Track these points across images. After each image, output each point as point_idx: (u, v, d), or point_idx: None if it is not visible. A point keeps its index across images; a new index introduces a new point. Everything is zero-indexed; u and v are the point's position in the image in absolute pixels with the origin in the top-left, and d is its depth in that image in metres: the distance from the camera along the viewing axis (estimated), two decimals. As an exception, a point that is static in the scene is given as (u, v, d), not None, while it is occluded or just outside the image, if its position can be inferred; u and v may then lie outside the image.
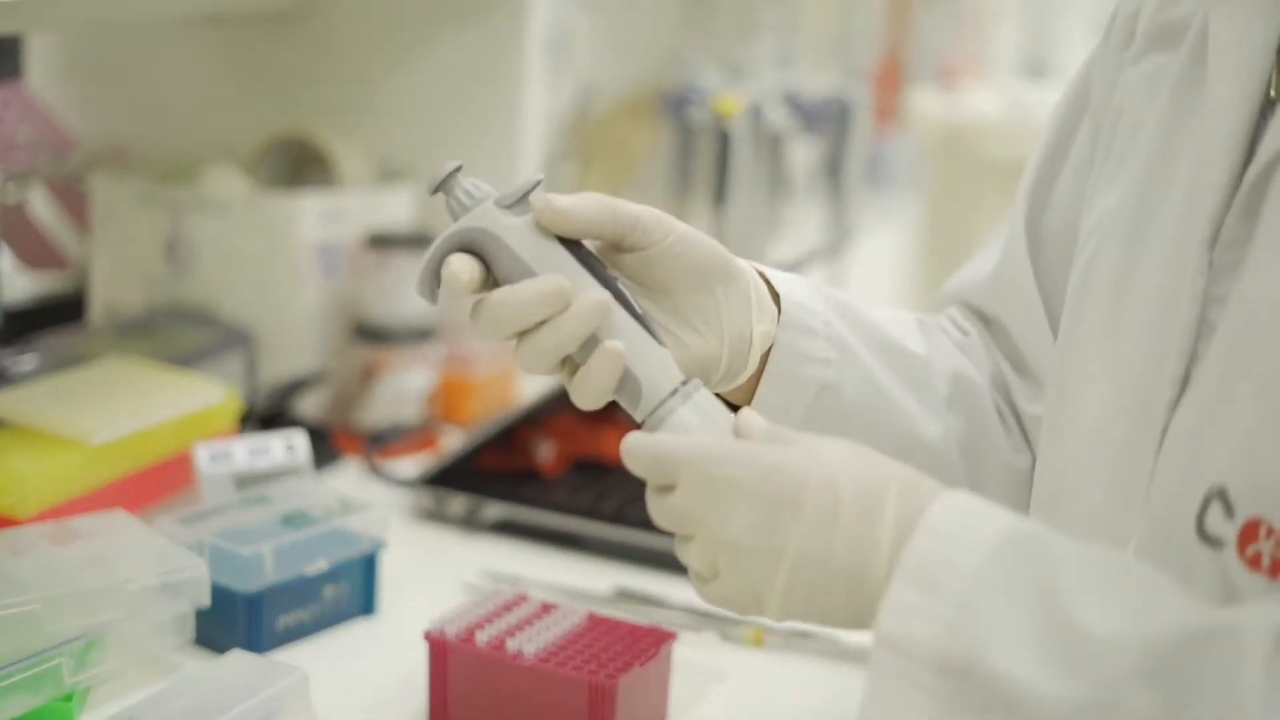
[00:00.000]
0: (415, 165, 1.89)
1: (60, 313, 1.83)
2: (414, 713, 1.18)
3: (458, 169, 0.92)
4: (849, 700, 1.23)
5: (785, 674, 1.29)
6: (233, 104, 1.94)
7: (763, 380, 1.01)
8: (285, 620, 1.26)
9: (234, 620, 1.24)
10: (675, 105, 2.50)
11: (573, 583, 1.40)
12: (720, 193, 2.46)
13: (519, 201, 0.90)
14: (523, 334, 0.90)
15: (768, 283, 1.02)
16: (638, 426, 0.92)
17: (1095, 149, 1.04)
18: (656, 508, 0.87)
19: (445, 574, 1.41)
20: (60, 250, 1.89)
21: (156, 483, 1.43)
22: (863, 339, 1.06)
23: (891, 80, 3.54)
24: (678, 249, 0.95)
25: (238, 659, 1.15)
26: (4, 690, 1.08)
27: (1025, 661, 0.76)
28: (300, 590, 1.27)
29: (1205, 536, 0.84)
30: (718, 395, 0.97)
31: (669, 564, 1.44)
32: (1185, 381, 0.89)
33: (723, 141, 2.46)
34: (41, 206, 1.89)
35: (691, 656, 1.27)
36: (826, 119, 2.60)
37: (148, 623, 1.18)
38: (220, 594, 1.22)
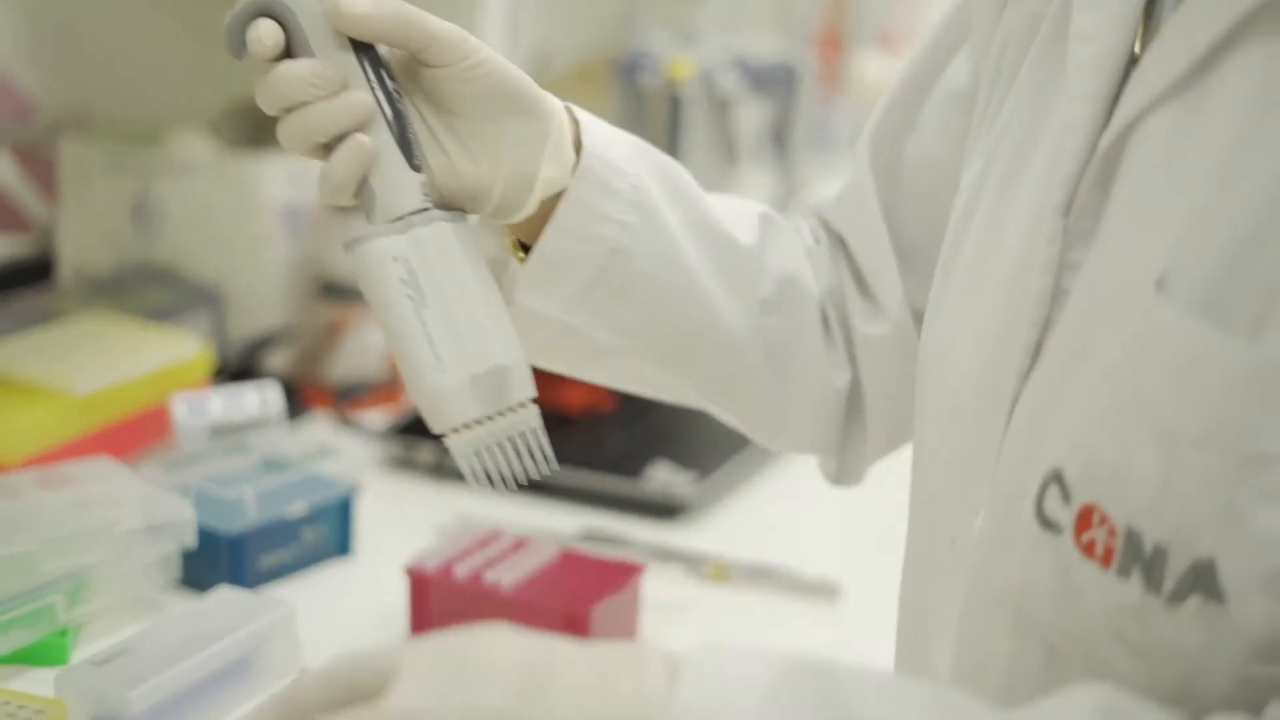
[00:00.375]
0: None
1: (28, 276, 1.86)
2: (398, 632, 1.24)
3: None
4: (809, 634, 1.30)
5: (748, 608, 1.35)
6: (196, 68, 1.96)
7: (547, 227, 0.96)
8: (267, 560, 1.31)
9: (218, 560, 1.28)
10: (626, 71, 2.54)
11: (542, 524, 1.45)
12: (672, 156, 2.51)
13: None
14: (288, 109, 0.89)
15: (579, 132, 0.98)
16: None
17: (976, 89, 1.00)
18: None
19: (418, 518, 1.46)
20: (25, 214, 1.92)
21: (135, 434, 1.48)
22: (681, 214, 1.02)
23: (834, 45, 3.60)
24: (474, 73, 0.92)
25: (226, 594, 1.19)
26: (2, 626, 1.13)
27: None
28: (280, 532, 1.32)
29: (1044, 520, 0.80)
30: (506, 226, 0.97)
31: (633, 507, 1.50)
32: (1037, 353, 0.85)
33: (674, 106, 2.51)
34: (5, 172, 1.92)
35: (658, 591, 1.33)
36: (774, 83, 2.65)
37: (136, 563, 1.22)
38: (205, 536, 1.27)
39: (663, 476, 1.50)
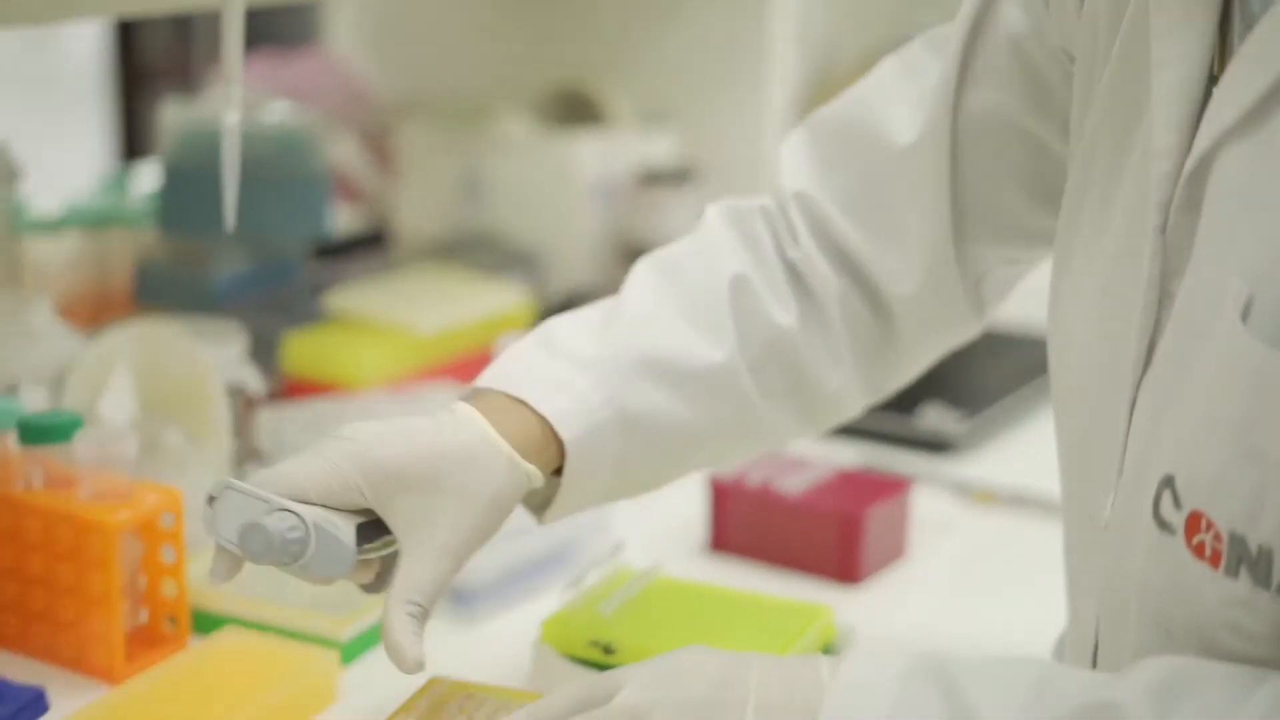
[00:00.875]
0: (676, 111, 2.13)
1: (368, 245, 2.10)
2: (699, 540, 1.42)
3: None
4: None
5: (1011, 530, 1.49)
6: (518, 55, 2.19)
7: (555, 500, 1.08)
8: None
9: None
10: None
11: (820, 456, 1.61)
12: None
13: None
14: None
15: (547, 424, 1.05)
16: None
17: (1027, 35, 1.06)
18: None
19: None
20: (366, 190, 2.17)
21: (469, 370, 1.68)
22: (657, 394, 1.09)
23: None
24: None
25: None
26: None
27: None
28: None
29: (1160, 522, 0.87)
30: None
31: (905, 442, 1.65)
32: (1149, 358, 0.91)
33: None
34: (349, 153, 2.16)
35: (927, 510, 1.48)
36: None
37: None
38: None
39: (934, 414, 1.65)
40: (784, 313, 1.13)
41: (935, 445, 1.64)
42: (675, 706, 0.88)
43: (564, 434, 1.05)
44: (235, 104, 1.25)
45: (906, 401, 1.67)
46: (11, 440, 1.19)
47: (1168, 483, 0.86)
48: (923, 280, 1.13)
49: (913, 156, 1.11)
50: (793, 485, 1.38)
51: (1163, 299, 0.90)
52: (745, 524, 1.38)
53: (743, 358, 1.12)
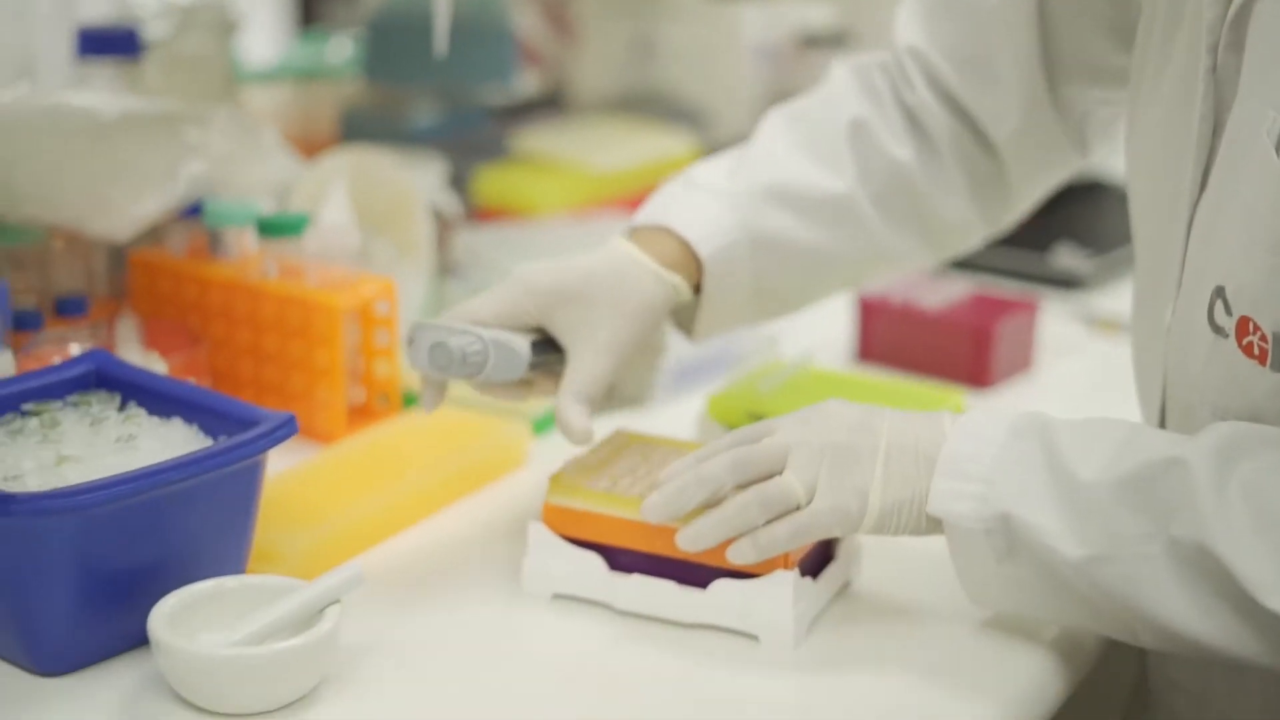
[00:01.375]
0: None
1: (546, 104, 2.27)
2: (846, 351, 1.58)
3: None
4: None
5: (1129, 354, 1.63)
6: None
7: (695, 321, 1.25)
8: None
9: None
10: None
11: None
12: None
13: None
14: None
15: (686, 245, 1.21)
16: None
17: None
18: (746, 455, 1.04)
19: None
20: (545, 54, 2.34)
21: (636, 207, 1.85)
22: (786, 219, 1.24)
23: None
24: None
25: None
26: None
27: (1043, 511, 0.99)
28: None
29: (1215, 327, 1.00)
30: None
31: (1038, 279, 1.79)
32: (1203, 187, 1.03)
33: None
34: (532, 21, 2.33)
35: (1054, 333, 1.62)
36: None
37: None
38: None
39: (1065, 253, 1.79)
40: (901, 149, 1.27)
41: (1065, 282, 1.78)
42: (818, 445, 1.04)
43: (701, 251, 1.21)
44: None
45: (1040, 241, 1.81)
46: (250, 235, 1.38)
47: (1219, 292, 0.99)
48: (1022, 120, 1.25)
49: (1004, 5, 1.23)
50: (932, 301, 1.54)
51: (1216, 130, 1.02)
52: (889, 336, 1.54)
53: (863, 189, 1.26)
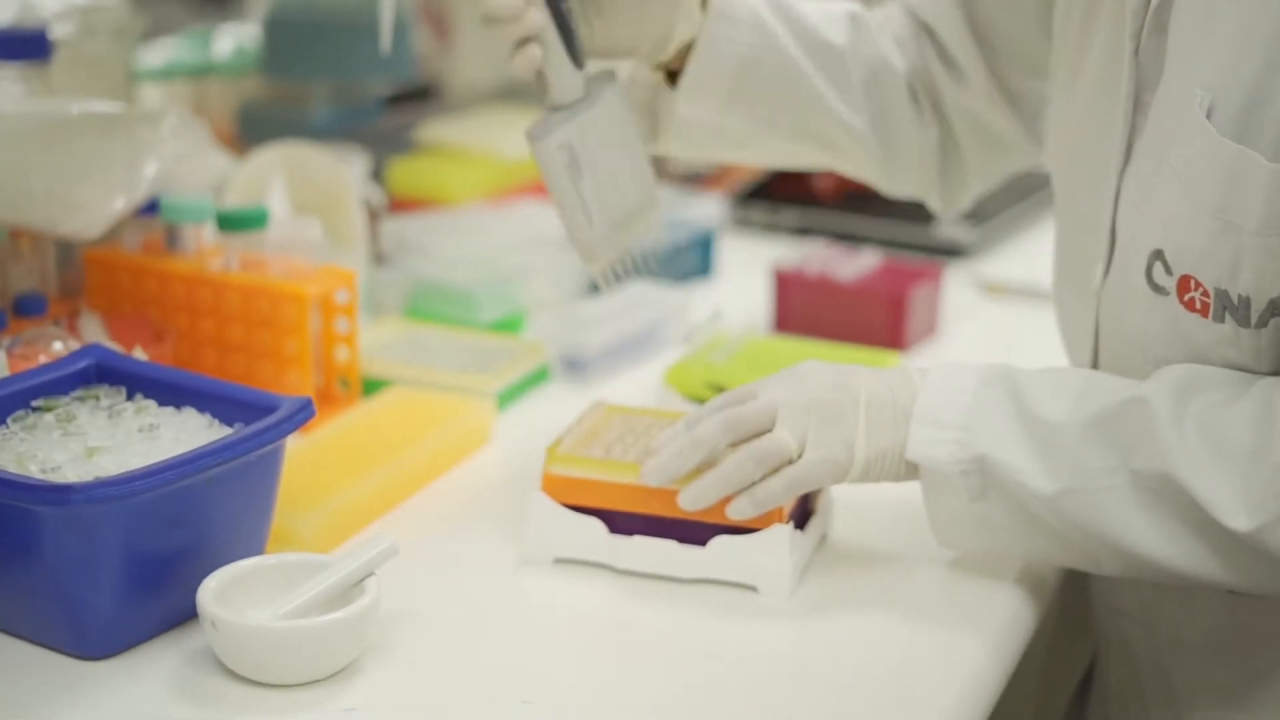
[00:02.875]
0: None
1: (424, 96, 2.32)
2: (763, 320, 1.66)
3: None
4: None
5: (1020, 314, 1.75)
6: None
7: (689, 58, 1.28)
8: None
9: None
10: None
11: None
12: None
13: None
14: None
15: None
16: None
17: None
18: (737, 415, 1.12)
19: (759, 256, 1.88)
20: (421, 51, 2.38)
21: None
22: (788, 29, 1.31)
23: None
24: None
25: (641, 286, 1.63)
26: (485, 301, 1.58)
27: (1015, 452, 1.08)
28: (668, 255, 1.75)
29: (1154, 286, 1.09)
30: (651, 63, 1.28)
31: (923, 249, 1.89)
32: (1129, 153, 1.12)
33: None
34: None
35: (949, 298, 1.73)
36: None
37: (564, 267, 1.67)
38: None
39: (948, 224, 1.90)
40: (893, 55, 1.36)
41: (952, 251, 1.89)
42: (804, 402, 1.13)
43: None
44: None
45: (923, 215, 1.91)
46: (206, 230, 1.42)
47: (1158, 255, 1.08)
48: (982, 109, 1.36)
49: (935, 15, 1.36)
50: (846, 273, 1.63)
51: (1139, 107, 1.11)
52: (805, 307, 1.63)
53: (854, 57, 1.34)
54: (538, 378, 1.49)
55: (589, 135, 1.22)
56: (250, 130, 1.95)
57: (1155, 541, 1.07)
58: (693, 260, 1.79)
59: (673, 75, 1.31)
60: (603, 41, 1.24)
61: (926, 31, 1.38)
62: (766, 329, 1.65)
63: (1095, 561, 1.11)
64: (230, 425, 1.14)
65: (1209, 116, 1.04)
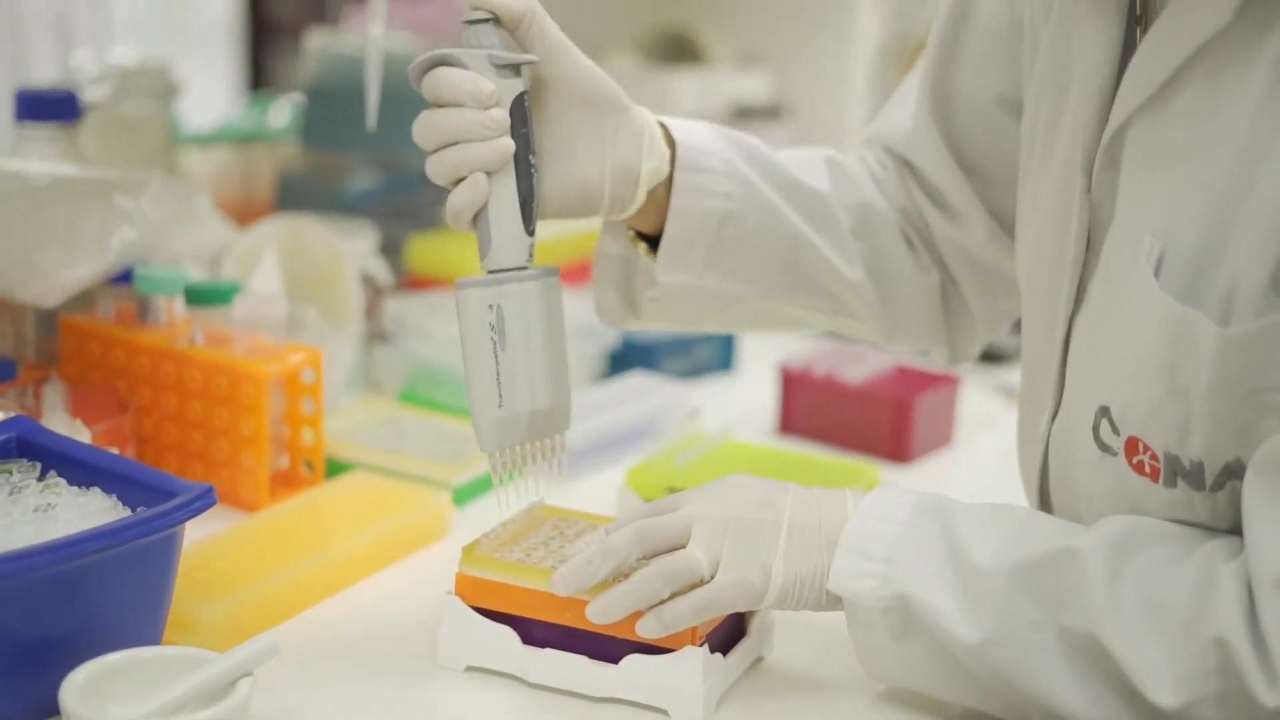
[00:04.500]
0: (770, 54, 2.30)
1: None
2: (769, 424, 1.60)
3: (489, 20, 1.07)
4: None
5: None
6: (626, 2, 2.38)
7: (668, 217, 1.15)
8: (670, 365, 1.69)
9: (632, 361, 1.67)
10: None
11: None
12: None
13: (505, 66, 1.06)
14: (446, 144, 1.05)
15: (666, 130, 1.15)
16: None
17: (1010, 23, 1.17)
18: (652, 528, 1.05)
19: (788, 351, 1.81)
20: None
21: (577, 274, 1.87)
22: (764, 176, 1.19)
23: None
24: (575, 77, 1.08)
25: (638, 377, 1.57)
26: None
27: (940, 594, 1.01)
28: (682, 345, 1.70)
29: (1101, 445, 1.02)
30: (618, 222, 1.16)
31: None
32: (1079, 302, 1.05)
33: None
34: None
35: (975, 407, 1.65)
36: None
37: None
38: (627, 343, 1.65)
39: (989, 328, 1.82)
40: (876, 198, 1.25)
41: (985, 355, 1.80)
42: (722, 520, 1.06)
43: (678, 136, 1.15)
44: (379, 20, 1.43)
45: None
46: (179, 303, 1.39)
47: (1104, 412, 1.01)
48: (980, 246, 1.25)
49: (918, 129, 1.25)
50: (854, 375, 1.56)
51: (1091, 247, 1.04)
52: (811, 408, 1.56)
53: (839, 202, 1.22)
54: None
55: (521, 310, 1.08)
56: (288, 199, 1.94)
57: (1080, 704, 0.99)
58: (712, 352, 1.73)
59: (642, 238, 1.19)
60: (561, 191, 1.10)
61: (908, 168, 1.27)
62: (773, 430, 1.59)
63: (1021, 715, 1.03)
64: (134, 508, 1.10)
65: (1158, 269, 0.97)
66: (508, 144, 1.05)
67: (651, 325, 1.24)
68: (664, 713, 1.08)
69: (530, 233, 1.08)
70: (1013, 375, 1.76)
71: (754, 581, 1.05)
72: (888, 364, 1.60)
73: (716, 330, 1.34)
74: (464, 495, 1.38)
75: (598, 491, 1.39)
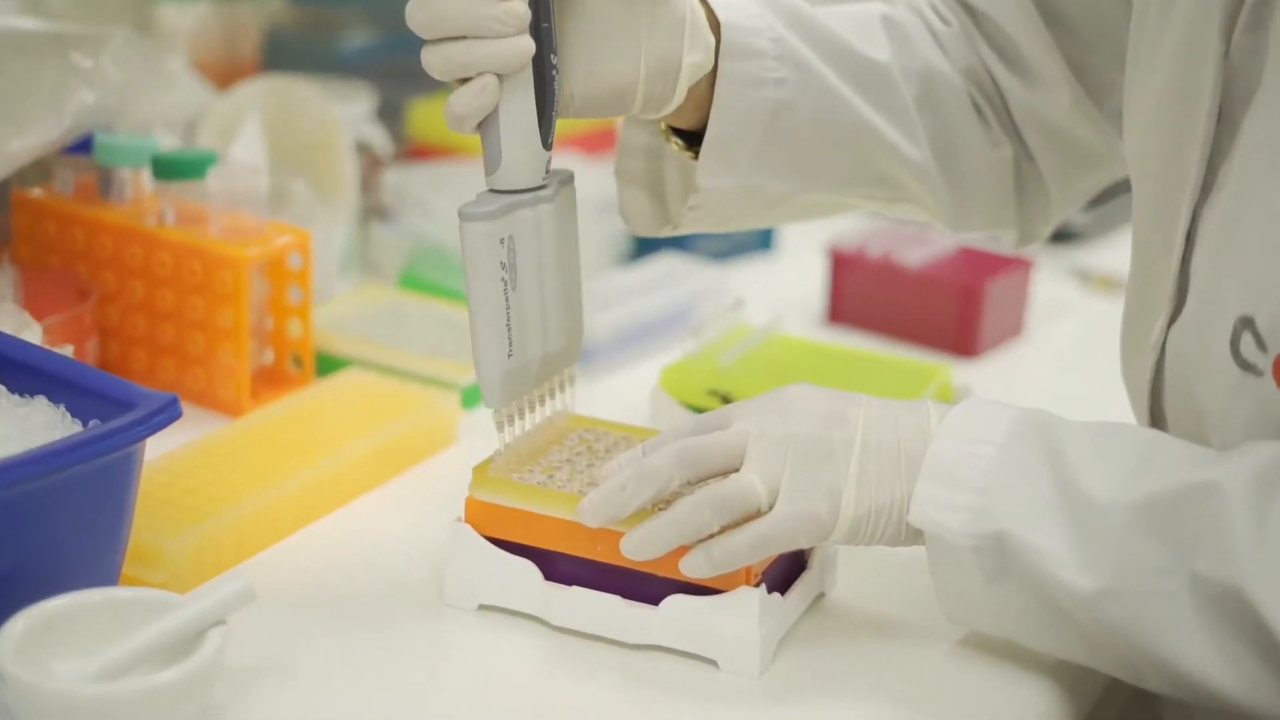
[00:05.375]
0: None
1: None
2: (816, 312, 1.43)
3: None
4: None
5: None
6: None
7: (711, 113, 0.98)
8: (704, 245, 1.51)
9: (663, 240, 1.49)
10: None
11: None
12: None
13: None
14: (441, 39, 0.88)
15: (709, 8, 0.98)
16: None
17: None
18: (697, 448, 0.88)
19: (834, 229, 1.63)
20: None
21: (589, 144, 1.69)
22: (819, 51, 1.02)
23: None
24: None
25: (669, 259, 1.40)
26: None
27: (1047, 534, 0.84)
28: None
29: (1242, 363, 0.86)
30: (651, 120, 0.98)
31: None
32: (1208, 188, 0.89)
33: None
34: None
35: (1047, 292, 1.47)
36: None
37: (598, 235, 1.44)
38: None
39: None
40: (941, 61, 1.07)
41: (1057, 235, 1.62)
42: (782, 438, 0.89)
43: (721, 14, 0.97)
44: None
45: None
46: (145, 176, 1.21)
47: (1247, 324, 0.85)
48: (1061, 112, 1.08)
49: None
50: (913, 257, 1.38)
51: (1226, 122, 0.88)
52: (864, 295, 1.39)
53: (901, 72, 1.05)
54: (526, 367, 1.26)
55: (536, 239, 0.92)
56: (274, 58, 1.74)
57: (1212, 665, 0.83)
58: (750, 231, 1.55)
59: (677, 133, 1.01)
60: (587, 89, 0.92)
61: (976, 21, 1.09)
62: (818, 320, 1.41)
63: (1137, 674, 0.87)
64: (85, 422, 0.93)
65: None
66: (526, 44, 0.87)
67: (690, 230, 1.06)
68: (712, 663, 0.91)
69: (548, 146, 0.91)
70: (1087, 256, 1.59)
71: (820, 513, 0.88)
72: (951, 245, 1.42)
73: (762, 225, 1.17)
74: (474, 396, 1.21)
75: (627, 394, 1.22)
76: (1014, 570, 0.86)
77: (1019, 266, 1.39)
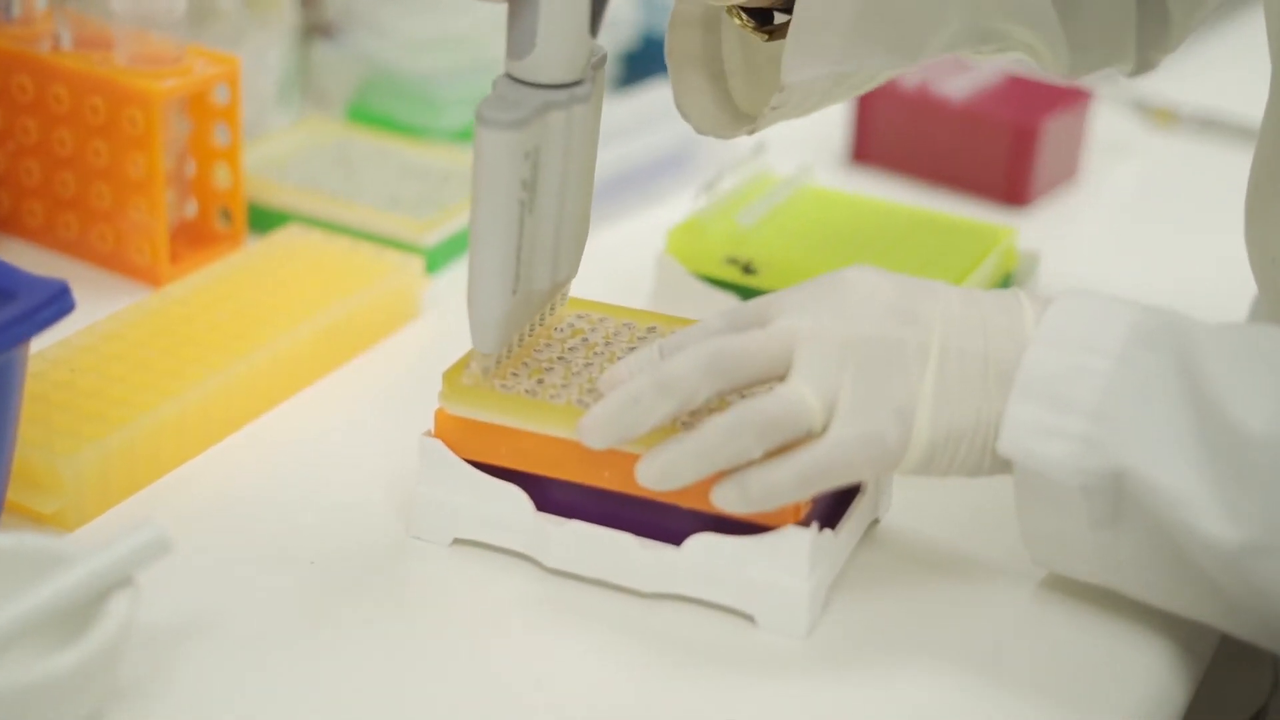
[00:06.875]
0: None
1: None
2: (836, 149, 1.23)
3: None
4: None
5: (1194, 155, 1.30)
6: None
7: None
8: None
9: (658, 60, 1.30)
10: None
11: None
12: None
13: None
14: None
15: None
16: None
17: None
18: (734, 352, 0.70)
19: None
20: None
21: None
22: None
23: None
24: None
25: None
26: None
27: (1180, 472, 0.68)
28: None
29: None
30: None
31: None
32: None
33: None
34: None
35: (1102, 128, 1.28)
36: None
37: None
38: (647, 39, 1.27)
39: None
40: None
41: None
42: (840, 340, 0.70)
43: None
44: None
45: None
46: (38, -10, 1.00)
47: None
48: None
49: None
50: (955, 88, 1.18)
51: None
52: (895, 132, 1.20)
53: None
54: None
55: (564, 149, 0.74)
56: None
57: None
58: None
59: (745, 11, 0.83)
60: None
61: None
62: (838, 160, 1.21)
63: (1275, 638, 0.71)
64: (-52, 315, 0.73)
65: None
66: None
67: (763, 127, 0.85)
68: (748, 618, 0.73)
69: (595, 32, 0.72)
70: (1152, 86, 1.38)
71: (888, 437, 0.70)
72: (996, 72, 1.22)
73: (846, 98, 0.94)
74: (439, 258, 1.02)
75: (624, 257, 1.02)
76: (1134, 515, 0.69)
77: (1077, 99, 1.19)
